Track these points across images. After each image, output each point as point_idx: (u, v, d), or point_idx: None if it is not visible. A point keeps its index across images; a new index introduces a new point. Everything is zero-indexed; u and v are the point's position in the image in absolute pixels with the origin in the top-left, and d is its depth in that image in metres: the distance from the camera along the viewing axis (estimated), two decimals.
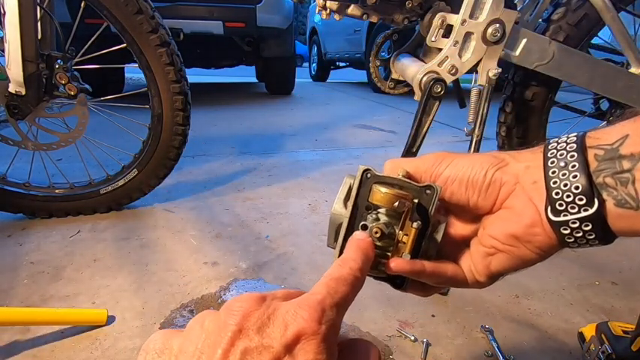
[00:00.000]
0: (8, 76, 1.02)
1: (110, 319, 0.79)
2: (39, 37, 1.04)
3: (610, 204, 0.27)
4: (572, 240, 0.29)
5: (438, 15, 0.86)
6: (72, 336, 0.75)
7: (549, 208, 0.28)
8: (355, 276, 0.26)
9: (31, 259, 1.01)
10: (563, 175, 0.28)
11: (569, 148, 0.29)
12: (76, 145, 1.20)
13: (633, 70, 0.98)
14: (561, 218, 0.28)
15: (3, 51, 1.01)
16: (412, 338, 0.76)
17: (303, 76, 4.77)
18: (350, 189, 0.31)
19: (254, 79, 5.57)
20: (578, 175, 0.27)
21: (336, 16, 1.00)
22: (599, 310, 0.87)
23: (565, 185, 0.28)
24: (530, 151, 0.32)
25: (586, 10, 0.99)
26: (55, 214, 1.24)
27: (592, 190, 0.27)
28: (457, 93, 1.09)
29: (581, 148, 0.28)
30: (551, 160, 0.29)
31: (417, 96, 0.88)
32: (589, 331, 0.71)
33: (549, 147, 0.30)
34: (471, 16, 0.84)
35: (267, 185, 1.59)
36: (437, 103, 0.85)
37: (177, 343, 0.22)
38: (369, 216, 0.30)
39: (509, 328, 0.80)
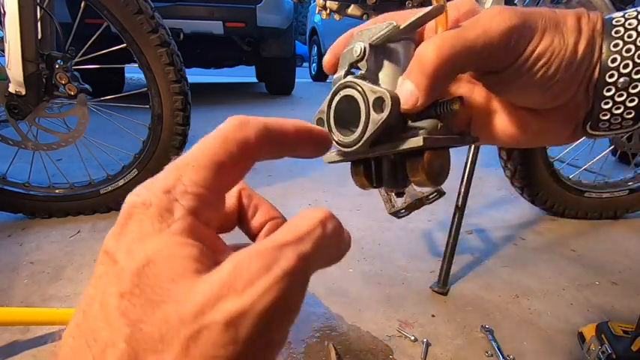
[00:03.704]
0: (8, 76, 1.02)
1: None
2: (39, 37, 1.04)
3: None
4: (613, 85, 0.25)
5: None
6: None
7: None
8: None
9: (31, 259, 1.01)
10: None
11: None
12: (76, 145, 1.20)
13: None
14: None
15: (3, 51, 1.01)
16: (412, 338, 0.76)
17: (303, 76, 4.77)
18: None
19: (254, 79, 5.57)
20: None
21: (336, 16, 1.00)
22: (599, 310, 0.87)
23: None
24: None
25: None
26: (55, 214, 1.24)
27: None
28: None
29: None
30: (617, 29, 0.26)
31: None
32: (589, 331, 0.71)
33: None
34: None
35: (267, 185, 1.59)
36: None
37: None
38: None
39: (509, 328, 0.80)
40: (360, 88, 0.24)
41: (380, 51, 0.25)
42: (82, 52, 1.16)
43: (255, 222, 0.23)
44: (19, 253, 1.03)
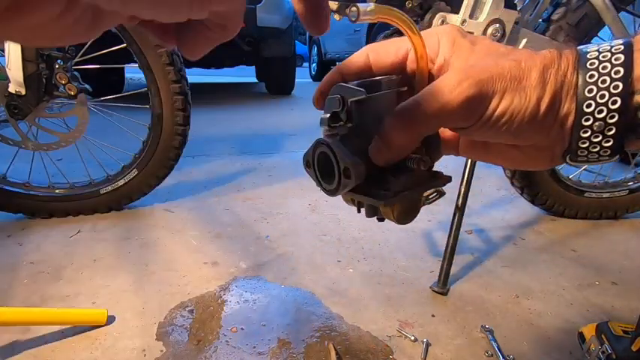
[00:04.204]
0: (8, 76, 1.02)
1: (110, 319, 0.79)
2: None
3: None
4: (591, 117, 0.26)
5: (438, 15, 0.86)
6: (72, 336, 0.75)
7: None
8: None
9: (31, 259, 1.01)
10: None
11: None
12: (76, 145, 1.20)
13: None
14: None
15: (3, 51, 1.01)
16: (412, 338, 0.76)
17: (303, 76, 4.78)
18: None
19: (254, 79, 5.57)
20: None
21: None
22: (599, 310, 0.87)
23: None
24: None
25: (586, 10, 0.99)
26: (55, 214, 1.24)
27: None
28: None
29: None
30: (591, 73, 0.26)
31: None
32: (589, 331, 0.71)
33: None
34: (471, 16, 0.84)
35: (267, 185, 1.59)
36: None
37: None
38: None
39: (509, 328, 0.80)
40: (333, 153, 0.27)
41: (358, 104, 0.28)
42: (82, 52, 1.16)
43: None
44: (19, 253, 1.03)
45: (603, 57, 0.25)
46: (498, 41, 0.84)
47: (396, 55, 0.30)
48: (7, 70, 1.02)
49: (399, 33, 0.28)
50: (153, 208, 1.34)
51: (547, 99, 0.26)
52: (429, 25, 0.88)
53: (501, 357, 0.72)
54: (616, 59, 0.25)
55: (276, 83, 4.40)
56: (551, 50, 0.27)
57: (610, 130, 0.25)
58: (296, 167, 1.83)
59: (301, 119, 3.03)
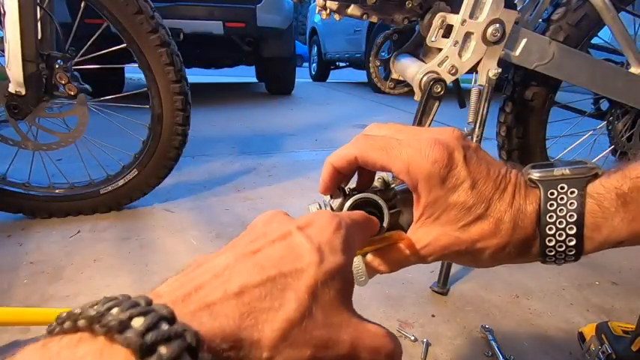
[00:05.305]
0: (8, 76, 1.02)
1: None
2: (39, 37, 1.04)
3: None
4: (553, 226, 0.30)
5: (438, 15, 0.86)
6: None
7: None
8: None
9: (31, 259, 1.01)
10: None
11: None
12: (76, 145, 1.20)
13: (633, 70, 0.98)
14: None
15: (3, 51, 1.01)
16: (412, 338, 0.76)
17: (303, 76, 4.78)
18: None
19: (254, 79, 5.57)
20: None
21: (336, 16, 1.00)
22: (599, 310, 0.87)
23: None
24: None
25: (586, 10, 0.99)
26: (55, 214, 1.24)
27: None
28: (457, 93, 1.09)
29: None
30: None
31: (417, 96, 0.88)
32: (589, 331, 0.71)
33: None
34: (471, 16, 0.84)
35: (267, 185, 1.59)
36: (437, 103, 0.85)
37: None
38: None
39: (509, 328, 0.80)
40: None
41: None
42: (82, 52, 1.16)
43: None
44: (19, 253, 1.03)
45: (561, 199, 0.30)
46: (498, 41, 0.84)
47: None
48: (7, 70, 1.02)
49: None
50: (153, 208, 1.34)
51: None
52: (429, 25, 0.88)
53: (501, 357, 0.72)
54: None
55: (276, 83, 4.40)
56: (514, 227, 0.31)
57: (571, 250, 0.32)
58: (296, 167, 1.83)
59: (301, 119, 3.03)
